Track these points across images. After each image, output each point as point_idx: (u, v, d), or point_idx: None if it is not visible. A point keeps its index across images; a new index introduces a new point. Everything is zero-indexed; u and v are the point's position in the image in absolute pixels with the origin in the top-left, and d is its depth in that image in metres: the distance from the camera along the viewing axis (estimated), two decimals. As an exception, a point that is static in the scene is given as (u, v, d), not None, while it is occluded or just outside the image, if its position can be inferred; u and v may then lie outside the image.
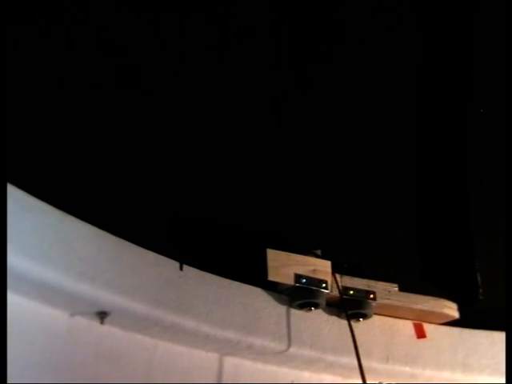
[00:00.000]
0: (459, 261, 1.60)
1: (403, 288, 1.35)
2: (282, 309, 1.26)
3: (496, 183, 1.49)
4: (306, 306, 1.26)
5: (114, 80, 1.30)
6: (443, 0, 1.66)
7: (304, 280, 1.26)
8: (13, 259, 0.91)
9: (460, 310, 1.39)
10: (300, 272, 1.26)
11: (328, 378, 1.31)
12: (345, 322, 1.25)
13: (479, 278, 1.55)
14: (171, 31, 1.38)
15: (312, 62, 1.55)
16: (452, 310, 1.38)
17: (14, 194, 0.95)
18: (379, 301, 1.31)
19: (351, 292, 1.30)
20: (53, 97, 1.21)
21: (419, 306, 1.34)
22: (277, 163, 1.45)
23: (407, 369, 1.28)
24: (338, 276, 1.30)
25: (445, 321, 1.38)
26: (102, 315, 1.04)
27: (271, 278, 1.24)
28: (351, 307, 1.28)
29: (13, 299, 0.95)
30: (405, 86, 1.61)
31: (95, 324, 1.05)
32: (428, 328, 1.37)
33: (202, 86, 1.39)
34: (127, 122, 1.30)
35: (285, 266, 1.26)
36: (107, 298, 1.03)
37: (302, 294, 1.26)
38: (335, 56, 1.56)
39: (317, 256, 1.32)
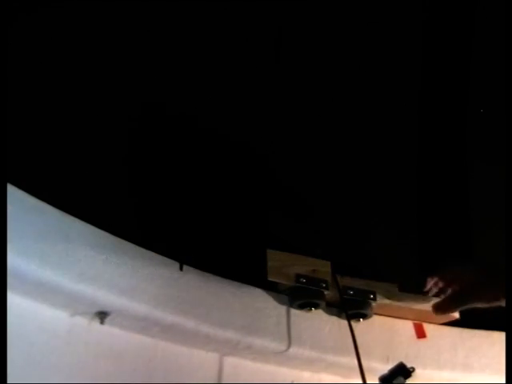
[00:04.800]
0: (459, 261, 1.60)
1: (403, 288, 1.35)
2: (281, 309, 1.26)
3: (496, 183, 1.49)
4: (306, 306, 1.26)
5: (114, 80, 1.30)
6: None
7: (304, 280, 1.25)
8: (13, 259, 0.91)
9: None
10: (300, 272, 1.26)
11: (328, 377, 1.31)
12: (345, 322, 1.25)
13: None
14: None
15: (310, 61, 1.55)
16: (452, 310, 1.38)
17: (14, 194, 0.95)
18: (379, 301, 1.31)
19: (351, 292, 1.30)
20: (52, 96, 1.21)
21: (419, 306, 1.34)
22: (277, 163, 1.45)
23: (407, 369, 1.28)
24: (338, 276, 1.30)
25: (445, 321, 1.38)
26: (102, 315, 1.04)
27: (271, 277, 1.24)
28: (351, 307, 1.28)
29: (13, 299, 0.95)
30: (405, 86, 1.62)
31: (95, 324, 1.05)
32: (428, 328, 1.37)
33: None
34: (127, 122, 1.31)
35: (285, 266, 1.26)
36: (107, 298, 1.03)
37: (301, 294, 1.26)
38: (336, 55, 1.56)
39: (317, 256, 1.31)
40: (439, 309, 1.27)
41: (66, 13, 1.23)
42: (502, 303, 1.15)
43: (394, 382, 1.10)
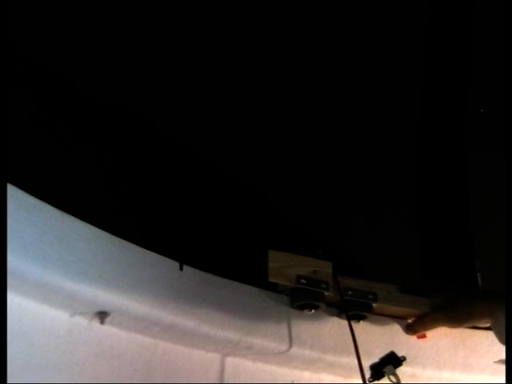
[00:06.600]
0: (459, 261, 1.60)
1: (404, 289, 1.35)
2: (282, 309, 1.26)
3: (496, 183, 1.49)
4: (306, 307, 1.26)
5: (116, 79, 1.30)
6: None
7: (304, 281, 1.25)
8: (13, 259, 0.91)
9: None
10: (301, 273, 1.26)
11: (328, 377, 1.31)
12: (345, 322, 1.25)
13: (479, 278, 1.55)
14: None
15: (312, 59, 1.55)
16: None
17: (14, 194, 0.95)
18: (379, 302, 1.31)
19: (352, 293, 1.30)
20: (52, 96, 1.21)
21: (419, 307, 1.34)
22: (276, 161, 1.45)
23: (407, 369, 1.28)
24: (338, 277, 1.30)
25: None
26: (102, 315, 1.04)
27: (271, 278, 1.24)
28: (352, 308, 1.28)
29: (13, 299, 0.95)
30: (405, 85, 1.62)
31: (95, 324, 1.05)
32: (428, 328, 1.37)
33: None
34: (128, 123, 1.31)
35: (285, 266, 1.26)
36: (107, 298, 1.03)
37: (302, 296, 1.26)
38: (338, 52, 1.56)
39: (318, 256, 1.31)
40: (410, 329, 1.34)
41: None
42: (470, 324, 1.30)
43: (384, 370, 1.11)
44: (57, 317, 1.02)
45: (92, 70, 1.27)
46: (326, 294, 1.26)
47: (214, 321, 1.14)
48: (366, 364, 1.15)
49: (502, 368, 0.98)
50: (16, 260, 0.92)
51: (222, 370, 1.21)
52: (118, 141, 1.29)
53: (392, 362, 1.12)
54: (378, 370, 1.12)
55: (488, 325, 1.28)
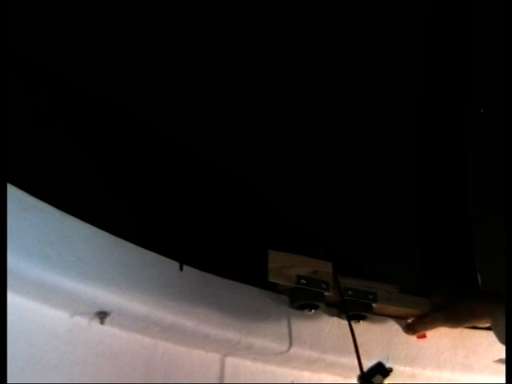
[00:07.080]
0: (459, 261, 1.60)
1: (404, 289, 1.35)
2: (282, 309, 1.26)
3: (496, 183, 1.49)
4: (306, 307, 1.26)
5: (116, 80, 1.30)
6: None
7: (304, 281, 1.25)
8: (13, 259, 0.90)
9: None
10: (301, 273, 1.26)
11: (328, 377, 1.31)
12: (345, 322, 1.25)
13: (479, 278, 1.55)
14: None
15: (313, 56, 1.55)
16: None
17: (13, 193, 0.95)
18: (380, 302, 1.31)
19: (352, 293, 1.30)
20: (52, 96, 1.21)
21: (419, 308, 1.34)
22: (277, 159, 1.45)
23: (407, 369, 1.28)
24: (338, 277, 1.30)
25: (444, 321, 1.38)
26: (102, 315, 1.04)
27: (271, 279, 1.24)
28: (352, 308, 1.28)
29: (13, 299, 0.95)
30: (405, 85, 1.62)
31: (95, 324, 1.05)
32: (428, 328, 1.37)
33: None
34: (126, 122, 1.31)
35: (285, 267, 1.26)
36: (107, 297, 1.03)
37: (302, 296, 1.26)
38: (338, 52, 1.56)
39: (318, 257, 1.31)
40: (410, 329, 1.34)
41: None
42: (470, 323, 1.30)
43: (373, 380, 1.11)
44: (57, 317, 1.02)
45: (93, 70, 1.27)
46: (326, 294, 1.26)
47: (213, 321, 1.14)
48: (366, 364, 1.15)
49: (502, 368, 0.98)
50: (16, 260, 0.92)
51: (221, 370, 1.21)
52: (118, 141, 1.29)
53: (380, 372, 1.12)
54: (367, 380, 1.12)
55: (488, 325, 1.28)
